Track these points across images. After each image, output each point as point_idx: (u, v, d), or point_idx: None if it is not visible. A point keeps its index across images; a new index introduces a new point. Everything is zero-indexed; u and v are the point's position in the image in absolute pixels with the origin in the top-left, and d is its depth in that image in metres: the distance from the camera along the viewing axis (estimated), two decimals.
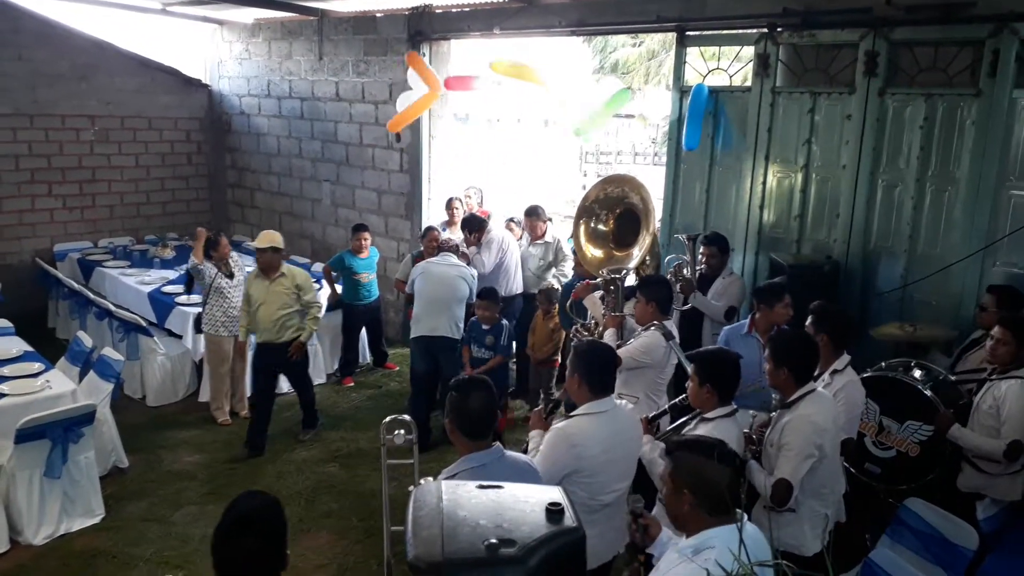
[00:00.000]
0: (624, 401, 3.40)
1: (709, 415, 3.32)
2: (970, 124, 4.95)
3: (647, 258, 5.81)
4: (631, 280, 5.17)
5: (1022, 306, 4.35)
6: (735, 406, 3.37)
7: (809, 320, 4.11)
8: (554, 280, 6.94)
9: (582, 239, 5.28)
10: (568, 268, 7.05)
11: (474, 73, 7.64)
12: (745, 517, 2.21)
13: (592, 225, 5.27)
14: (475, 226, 6.89)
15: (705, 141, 6.08)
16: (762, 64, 5.76)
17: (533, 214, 7.13)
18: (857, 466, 4.27)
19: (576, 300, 5.33)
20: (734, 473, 2.26)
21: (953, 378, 4.38)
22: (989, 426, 3.88)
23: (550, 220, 7.56)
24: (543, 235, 7.16)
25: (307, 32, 9.09)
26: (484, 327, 6.00)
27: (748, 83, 5.95)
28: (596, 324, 5.21)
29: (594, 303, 5.14)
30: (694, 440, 2.43)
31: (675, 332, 4.48)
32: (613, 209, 5.18)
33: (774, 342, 3.55)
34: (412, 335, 6.22)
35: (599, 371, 3.21)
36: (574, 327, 5.44)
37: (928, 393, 4.12)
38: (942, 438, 3.97)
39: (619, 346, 4.57)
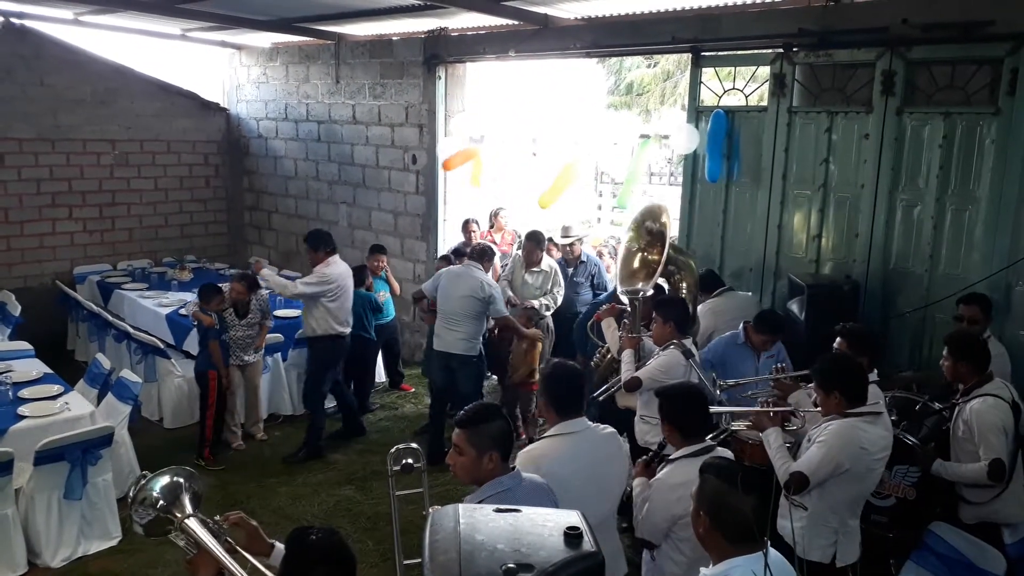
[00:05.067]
0: (604, 426, 3.31)
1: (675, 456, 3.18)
2: (990, 143, 4.90)
3: (682, 287, 5.81)
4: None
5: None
6: (702, 445, 3.17)
7: (839, 342, 4.07)
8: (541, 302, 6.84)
9: (631, 257, 5.47)
10: (559, 295, 6.93)
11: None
12: (769, 544, 2.17)
13: (644, 255, 5.49)
14: (316, 243, 6.33)
15: (722, 163, 6.07)
16: (778, 84, 5.75)
17: (533, 239, 6.86)
18: (864, 520, 4.01)
19: (598, 323, 5.31)
20: (759, 503, 2.22)
21: (936, 405, 4.29)
22: (969, 451, 3.82)
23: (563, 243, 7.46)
24: (539, 262, 6.88)
25: (324, 56, 9.20)
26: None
27: (764, 103, 5.95)
28: (608, 352, 5.19)
29: (609, 327, 5.11)
30: (724, 464, 2.40)
31: (694, 351, 4.46)
32: (655, 244, 5.39)
33: (819, 371, 3.50)
34: (433, 347, 6.21)
35: (565, 392, 3.12)
36: (596, 353, 5.42)
37: (904, 436, 3.98)
38: (933, 476, 3.89)
39: (638, 367, 4.55)
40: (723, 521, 2.21)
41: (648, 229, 5.60)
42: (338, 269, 6.25)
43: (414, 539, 2.25)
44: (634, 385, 4.44)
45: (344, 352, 6.48)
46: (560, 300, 6.93)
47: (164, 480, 2.26)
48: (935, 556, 3.74)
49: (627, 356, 4.62)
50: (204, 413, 6.19)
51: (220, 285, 6.43)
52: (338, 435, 6.66)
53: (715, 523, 2.23)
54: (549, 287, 6.93)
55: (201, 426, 6.22)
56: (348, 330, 6.38)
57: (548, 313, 6.95)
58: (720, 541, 2.23)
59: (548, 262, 7.01)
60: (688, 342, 4.47)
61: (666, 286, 5.55)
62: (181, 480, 2.29)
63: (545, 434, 3.14)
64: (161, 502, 2.22)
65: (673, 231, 5.76)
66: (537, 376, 6.46)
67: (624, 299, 5.18)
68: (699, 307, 5.54)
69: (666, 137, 6.81)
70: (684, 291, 5.59)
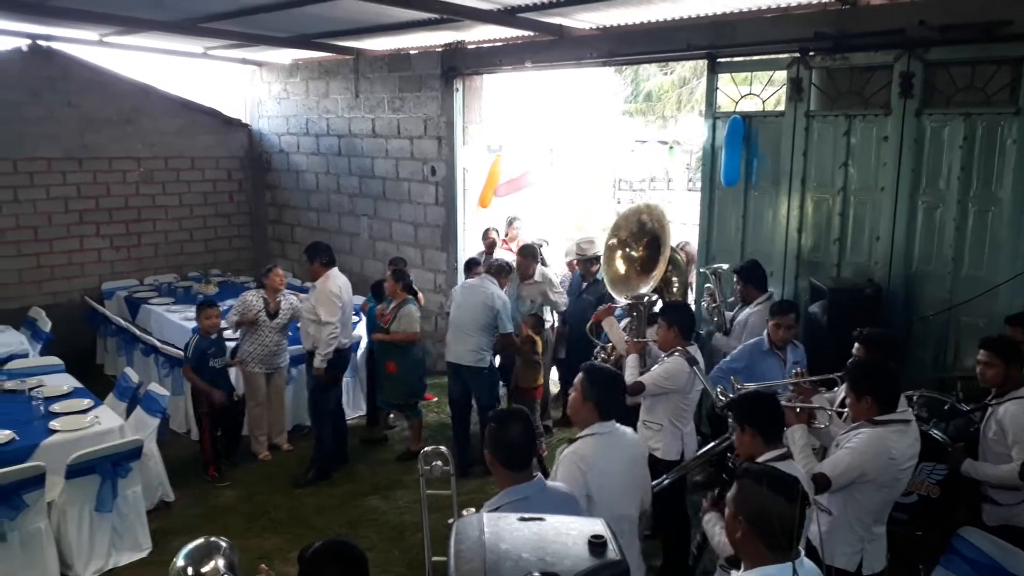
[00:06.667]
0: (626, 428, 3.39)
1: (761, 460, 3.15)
2: (1011, 143, 4.86)
3: (675, 282, 5.88)
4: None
5: None
6: (785, 448, 3.22)
7: (857, 347, 4.05)
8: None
9: (612, 255, 5.67)
10: (562, 301, 6.94)
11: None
12: (802, 553, 2.16)
13: (626, 251, 5.52)
14: (313, 254, 6.22)
15: (741, 168, 6.06)
16: (795, 88, 5.74)
17: (528, 254, 6.86)
18: None
19: (596, 322, 5.36)
20: (798, 511, 2.18)
21: (965, 407, 4.25)
22: (999, 453, 3.79)
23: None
24: (533, 275, 6.87)
25: (343, 71, 9.30)
26: (212, 337, 6.16)
27: (781, 107, 5.93)
28: (613, 348, 5.23)
29: (612, 326, 5.17)
30: (762, 470, 2.38)
31: (699, 357, 4.45)
32: (642, 239, 5.43)
33: (852, 375, 3.49)
34: (446, 358, 6.25)
35: (611, 397, 3.21)
36: (596, 350, 5.46)
37: (935, 433, 3.97)
38: (959, 475, 3.86)
39: (642, 372, 4.56)
40: (764, 527, 2.18)
41: (642, 223, 5.63)
42: (338, 282, 6.12)
43: (440, 547, 2.28)
44: (636, 389, 4.42)
45: (346, 365, 6.44)
46: (562, 304, 6.94)
47: (185, 551, 2.37)
48: (964, 561, 3.69)
49: (632, 361, 4.62)
50: (201, 442, 6.23)
51: (215, 303, 6.47)
52: (321, 466, 6.23)
53: (756, 530, 2.20)
54: (547, 295, 6.89)
55: (201, 445, 6.25)
56: (348, 342, 6.31)
57: (555, 319, 6.96)
58: (759, 547, 2.20)
59: (541, 271, 7.01)
60: (693, 348, 4.47)
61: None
62: (201, 544, 2.40)
63: (580, 435, 3.18)
64: (190, 569, 2.31)
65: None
66: (540, 381, 6.51)
67: (621, 301, 5.30)
68: (754, 310, 5.48)
69: (678, 143, 6.87)
70: (676, 286, 5.66)
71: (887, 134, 5.36)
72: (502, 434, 2.72)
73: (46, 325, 7.94)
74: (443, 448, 3.39)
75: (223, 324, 6.51)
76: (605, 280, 6.05)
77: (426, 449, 3.35)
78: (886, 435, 3.26)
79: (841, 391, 4.00)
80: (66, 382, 6.02)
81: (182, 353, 6.92)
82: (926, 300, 5.34)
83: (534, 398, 6.48)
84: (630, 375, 4.53)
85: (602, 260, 6.13)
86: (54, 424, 5.13)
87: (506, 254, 7.67)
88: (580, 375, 3.27)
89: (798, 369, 4.35)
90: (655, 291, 5.52)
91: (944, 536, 3.91)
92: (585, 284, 7.06)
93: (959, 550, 3.73)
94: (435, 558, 3.22)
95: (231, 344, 6.81)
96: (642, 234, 5.69)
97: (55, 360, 6.56)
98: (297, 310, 6.49)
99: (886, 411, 3.33)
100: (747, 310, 5.55)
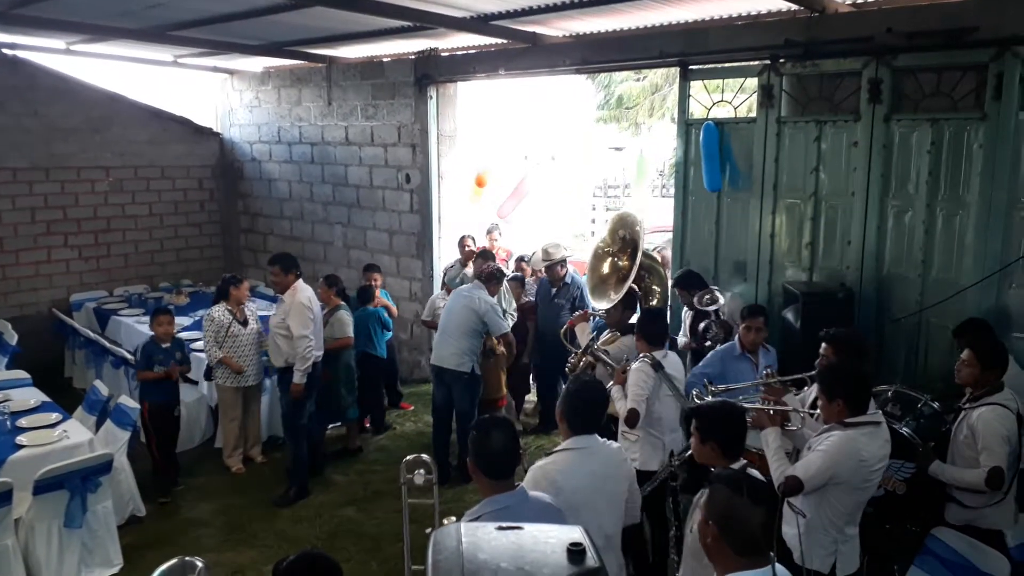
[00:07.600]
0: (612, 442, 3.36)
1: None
2: (978, 147, 4.95)
3: (656, 291, 5.98)
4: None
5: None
6: (744, 462, 3.15)
7: (824, 347, 4.10)
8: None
9: (600, 262, 5.94)
10: (510, 309, 6.87)
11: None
12: (775, 559, 2.17)
13: (614, 259, 5.94)
14: (289, 265, 6.03)
15: (719, 173, 6.09)
16: (766, 95, 5.79)
17: (489, 258, 6.79)
18: None
19: (571, 328, 5.41)
20: (767, 515, 2.19)
21: (936, 405, 4.32)
22: (968, 456, 3.83)
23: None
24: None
25: (316, 79, 9.25)
26: (163, 345, 6.03)
27: (753, 114, 5.99)
28: (583, 355, 5.27)
29: (583, 332, 5.23)
30: (735, 475, 2.38)
31: (668, 363, 4.47)
32: (626, 249, 5.59)
33: (823, 376, 3.51)
34: (431, 362, 6.27)
35: (583, 410, 3.18)
36: (570, 356, 5.49)
37: (904, 431, 4.02)
38: (926, 474, 3.90)
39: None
40: (731, 531, 2.19)
41: (621, 237, 5.80)
42: (307, 293, 5.98)
43: (419, 557, 2.26)
44: (633, 419, 4.38)
45: (318, 379, 6.19)
46: (511, 311, 6.86)
47: (159, 572, 2.35)
48: (939, 561, 3.74)
49: (616, 392, 4.55)
50: (148, 448, 6.01)
51: (171, 308, 6.48)
52: (301, 484, 6.06)
53: (723, 533, 2.20)
54: (505, 304, 6.83)
55: (153, 460, 6.02)
56: (320, 353, 6.07)
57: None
58: (727, 552, 2.20)
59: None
60: (660, 353, 4.49)
61: (636, 289, 5.69)
62: (175, 564, 2.40)
63: (556, 448, 3.17)
64: None
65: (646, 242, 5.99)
66: (503, 391, 6.60)
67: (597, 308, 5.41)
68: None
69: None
70: (656, 297, 5.76)
71: (857, 139, 5.43)
72: (484, 443, 2.70)
73: (12, 338, 7.78)
74: (425, 456, 3.37)
75: (204, 356, 6.42)
76: (587, 287, 6.10)
77: (408, 458, 3.33)
78: (857, 437, 3.30)
79: (812, 391, 4.04)
80: (33, 396, 5.90)
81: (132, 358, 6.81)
82: (897, 303, 5.40)
83: (499, 408, 6.52)
84: (621, 407, 4.46)
85: (588, 265, 6.18)
86: (21, 439, 5.03)
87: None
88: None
89: (769, 371, 4.39)
90: (628, 300, 5.58)
91: (912, 533, 3.95)
92: (555, 289, 7.06)
93: (933, 550, 3.78)
94: (415, 567, 3.20)
95: (199, 355, 6.71)
96: (625, 245, 5.84)
97: (22, 374, 6.44)
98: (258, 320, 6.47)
99: (857, 413, 3.37)
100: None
